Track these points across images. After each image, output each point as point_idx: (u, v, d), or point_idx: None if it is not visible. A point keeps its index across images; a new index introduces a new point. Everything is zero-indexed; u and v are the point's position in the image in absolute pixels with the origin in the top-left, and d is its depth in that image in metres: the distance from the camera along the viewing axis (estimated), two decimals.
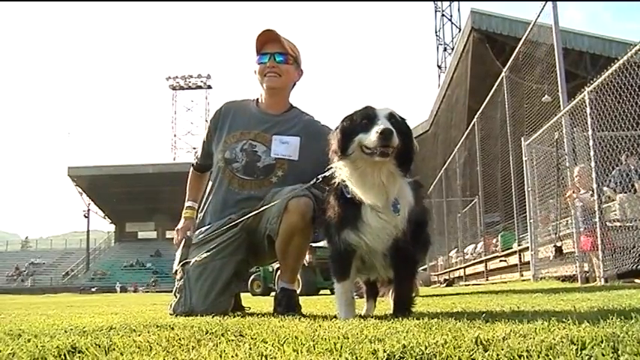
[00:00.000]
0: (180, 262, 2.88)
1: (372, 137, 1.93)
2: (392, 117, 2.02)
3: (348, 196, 2.05)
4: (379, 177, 2.01)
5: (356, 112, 2.08)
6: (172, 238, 3.12)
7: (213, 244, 2.79)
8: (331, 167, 2.13)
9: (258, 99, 3.02)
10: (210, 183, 3.02)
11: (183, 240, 2.97)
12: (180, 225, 3.10)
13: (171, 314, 2.77)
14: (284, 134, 2.88)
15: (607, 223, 5.87)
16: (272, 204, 2.61)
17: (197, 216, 3.11)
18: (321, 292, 11.45)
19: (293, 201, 2.54)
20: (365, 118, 2.02)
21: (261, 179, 2.83)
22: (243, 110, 3.01)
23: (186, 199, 3.22)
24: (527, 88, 9.77)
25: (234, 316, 2.50)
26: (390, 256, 2.11)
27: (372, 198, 2.02)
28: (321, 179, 2.33)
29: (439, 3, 43.57)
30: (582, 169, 6.35)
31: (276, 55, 2.88)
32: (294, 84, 3.05)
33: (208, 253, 2.78)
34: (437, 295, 5.12)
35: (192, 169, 3.26)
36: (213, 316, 2.36)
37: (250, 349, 1.28)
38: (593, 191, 5.94)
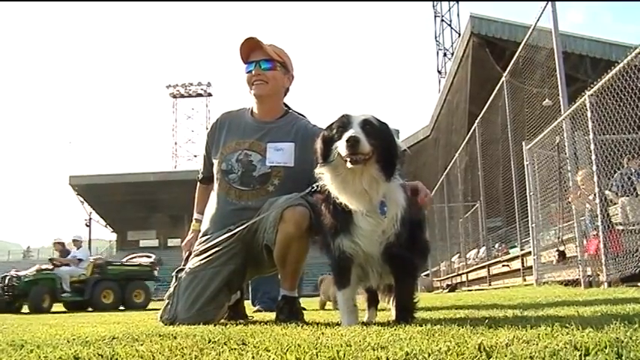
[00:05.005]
0: (176, 270, 2.89)
1: (341, 145, 1.95)
2: (366, 123, 2.01)
3: (338, 201, 2.06)
4: (361, 183, 2.00)
5: (335, 120, 2.10)
6: (174, 246, 3.14)
7: (207, 253, 2.80)
8: (317, 175, 2.14)
9: (252, 108, 3.02)
10: (212, 194, 3.03)
11: (188, 253, 3.00)
12: (187, 238, 3.13)
13: (159, 321, 2.78)
14: (278, 141, 2.87)
15: (617, 227, 5.84)
16: (267, 213, 2.62)
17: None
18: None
19: (288, 211, 2.54)
20: (340, 126, 2.03)
21: (257, 189, 2.82)
22: (237, 120, 3.01)
23: (194, 211, 3.24)
24: (527, 93, 9.78)
25: (237, 325, 2.50)
26: (387, 261, 2.11)
27: (356, 203, 2.02)
28: (316, 188, 2.32)
29: (438, 8, 43.72)
30: (586, 173, 6.33)
31: (262, 62, 2.88)
32: (287, 89, 3.05)
33: (201, 262, 2.78)
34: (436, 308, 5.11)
35: (198, 183, 3.26)
36: (215, 325, 2.36)
37: (253, 357, 1.28)
38: (595, 195, 5.93)
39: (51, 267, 11.38)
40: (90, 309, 11.16)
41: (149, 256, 13.85)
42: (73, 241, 12.58)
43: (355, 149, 1.91)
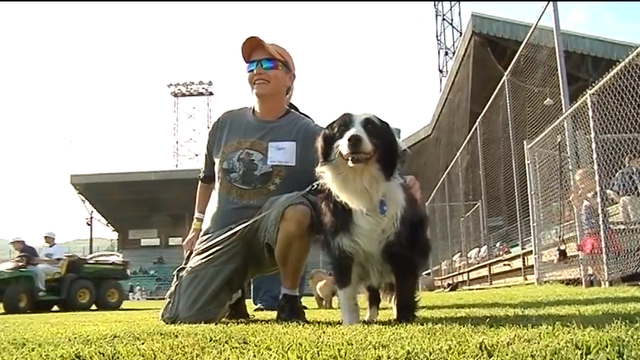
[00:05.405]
0: (177, 269, 2.90)
1: (343, 144, 1.94)
2: (368, 122, 2.01)
3: (338, 200, 2.05)
4: (361, 182, 2.00)
5: (336, 118, 2.09)
6: (175, 245, 3.14)
7: (209, 252, 2.80)
8: (318, 174, 2.13)
9: (254, 107, 3.02)
10: (213, 193, 3.03)
11: (189, 252, 3.00)
12: (188, 237, 3.13)
13: (160, 319, 2.79)
14: (280, 140, 2.87)
15: (611, 226, 5.84)
16: (268, 212, 2.62)
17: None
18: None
19: (290, 209, 2.54)
20: (342, 124, 2.03)
21: (258, 188, 2.82)
22: (239, 119, 3.01)
23: (195, 210, 3.24)
24: (529, 92, 9.79)
25: (238, 323, 2.50)
26: (387, 260, 2.11)
27: (356, 202, 2.02)
28: (316, 187, 2.31)
29: (440, 7, 43.72)
30: (584, 172, 6.34)
31: (263, 61, 2.87)
32: (288, 88, 3.05)
33: (202, 261, 2.78)
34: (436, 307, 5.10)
35: (199, 182, 3.26)
36: (216, 324, 2.36)
37: (254, 356, 1.28)
38: (595, 193, 5.93)
39: (24, 264, 10.48)
40: (56, 308, 10.58)
41: (117, 255, 13.66)
42: (45, 237, 11.70)
43: (357, 148, 1.91)
